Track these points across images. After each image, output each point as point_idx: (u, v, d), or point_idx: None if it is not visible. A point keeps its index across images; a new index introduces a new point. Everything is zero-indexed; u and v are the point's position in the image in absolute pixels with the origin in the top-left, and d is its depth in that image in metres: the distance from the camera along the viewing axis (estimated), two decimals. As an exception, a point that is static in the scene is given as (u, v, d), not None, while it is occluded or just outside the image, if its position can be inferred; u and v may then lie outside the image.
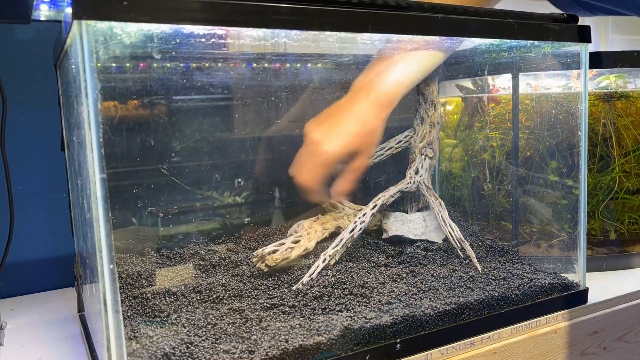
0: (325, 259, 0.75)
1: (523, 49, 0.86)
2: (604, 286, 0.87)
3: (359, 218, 0.81)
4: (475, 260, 0.80)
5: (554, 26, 0.74)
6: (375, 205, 0.82)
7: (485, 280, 0.76)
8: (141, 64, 0.77)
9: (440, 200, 0.87)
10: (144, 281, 0.73)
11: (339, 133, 0.78)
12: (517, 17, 0.71)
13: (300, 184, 0.78)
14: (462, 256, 0.81)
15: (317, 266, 0.74)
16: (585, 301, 0.80)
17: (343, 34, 0.63)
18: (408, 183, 0.87)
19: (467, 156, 1.05)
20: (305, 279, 0.72)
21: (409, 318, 0.65)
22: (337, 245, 0.77)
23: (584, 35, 0.76)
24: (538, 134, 0.95)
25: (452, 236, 0.82)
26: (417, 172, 0.88)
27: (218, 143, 0.92)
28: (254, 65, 0.91)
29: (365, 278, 0.74)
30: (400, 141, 0.92)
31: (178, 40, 0.59)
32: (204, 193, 0.93)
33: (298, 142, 0.80)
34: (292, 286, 0.71)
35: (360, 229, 0.80)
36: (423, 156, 0.88)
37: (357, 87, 0.80)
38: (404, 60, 0.80)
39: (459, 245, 0.82)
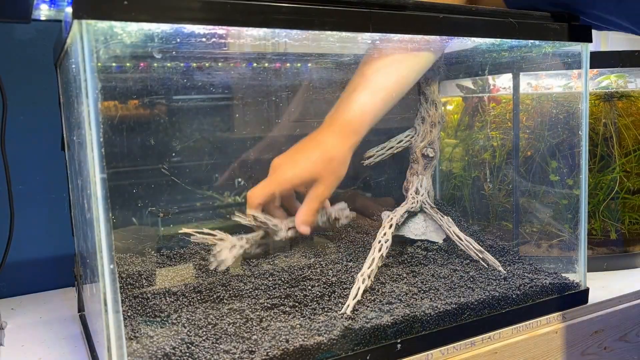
0: (364, 279, 0.73)
1: (524, 48, 0.86)
2: (604, 286, 0.87)
3: (383, 237, 0.79)
4: (499, 267, 0.80)
5: (554, 26, 0.73)
6: (392, 225, 0.82)
7: (486, 280, 0.76)
8: (142, 64, 0.77)
9: (447, 217, 0.87)
10: (144, 281, 0.73)
11: (296, 158, 0.78)
12: (517, 16, 0.71)
13: (247, 198, 0.78)
14: (487, 266, 0.81)
15: (359, 288, 0.71)
16: (586, 301, 0.80)
17: (344, 34, 0.63)
18: (412, 203, 0.87)
19: (468, 156, 1.05)
20: (350, 302, 0.68)
21: (410, 318, 0.65)
22: (370, 265, 0.76)
23: (584, 34, 0.76)
24: (539, 134, 0.95)
25: (470, 249, 0.82)
26: (417, 192, 0.88)
27: (218, 143, 0.92)
28: (254, 64, 0.91)
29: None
30: (401, 141, 0.92)
31: (178, 40, 0.59)
32: (204, 193, 0.93)
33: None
34: (339, 311, 0.67)
35: (387, 247, 0.78)
36: (421, 176, 0.88)
37: (326, 118, 0.80)
38: (371, 89, 0.78)
39: (480, 256, 0.81)
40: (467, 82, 1.06)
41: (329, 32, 0.61)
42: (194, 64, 0.84)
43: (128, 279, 0.73)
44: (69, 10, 0.49)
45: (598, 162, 0.97)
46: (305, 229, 0.79)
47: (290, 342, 0.59)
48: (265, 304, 0.67)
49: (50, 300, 0.91)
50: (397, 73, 0.79)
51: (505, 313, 0.72)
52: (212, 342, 0.58)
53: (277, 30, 0.59)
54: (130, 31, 0.53)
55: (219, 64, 0.86)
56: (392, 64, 0.78)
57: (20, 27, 0.91)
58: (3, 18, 0.61)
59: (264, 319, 0.64)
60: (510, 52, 0.89)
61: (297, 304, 0.68)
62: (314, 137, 0.79)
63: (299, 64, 0.94)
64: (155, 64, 0.79)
